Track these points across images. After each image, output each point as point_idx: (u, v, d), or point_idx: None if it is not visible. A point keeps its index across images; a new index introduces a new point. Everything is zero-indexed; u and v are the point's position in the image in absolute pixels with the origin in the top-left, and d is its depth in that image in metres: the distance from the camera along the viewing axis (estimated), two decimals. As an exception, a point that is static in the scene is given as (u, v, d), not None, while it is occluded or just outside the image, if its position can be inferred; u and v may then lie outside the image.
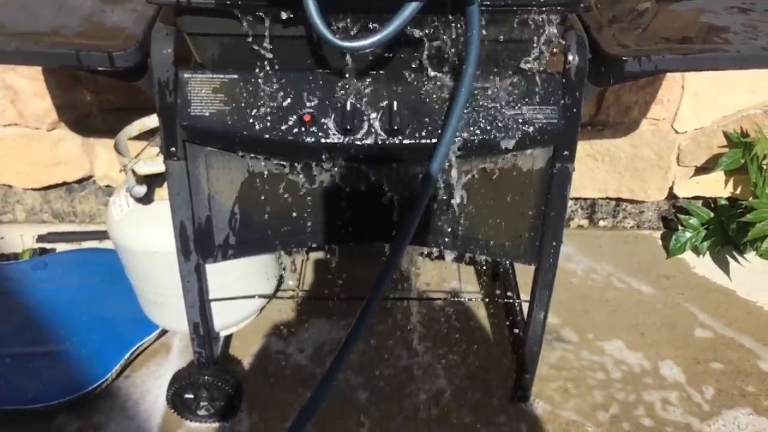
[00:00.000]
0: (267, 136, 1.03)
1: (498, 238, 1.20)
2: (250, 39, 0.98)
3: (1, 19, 1.01)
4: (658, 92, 1.69)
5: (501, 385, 1.48)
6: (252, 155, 1.10)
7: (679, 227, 1.85)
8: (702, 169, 1.83)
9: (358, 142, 1.03)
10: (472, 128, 1.04)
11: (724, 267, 1.83)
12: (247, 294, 1.42)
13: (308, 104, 1.03)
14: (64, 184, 1.87)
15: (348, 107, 1.02)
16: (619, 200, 1.92)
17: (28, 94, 1.67)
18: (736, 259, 1.84)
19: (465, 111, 1.02)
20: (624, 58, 0.99)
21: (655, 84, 1.68)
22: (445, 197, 1.14)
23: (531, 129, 1.05)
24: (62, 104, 1.70)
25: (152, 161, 1.25)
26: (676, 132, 1.76)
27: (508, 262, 1.62)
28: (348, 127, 1.01)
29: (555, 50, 1.06)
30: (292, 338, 1.59)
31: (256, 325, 1.59)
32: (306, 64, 1.03)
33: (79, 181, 1.87)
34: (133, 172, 1.26)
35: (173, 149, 1.08)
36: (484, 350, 1.56)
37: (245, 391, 1.42)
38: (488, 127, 1.04)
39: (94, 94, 1.70)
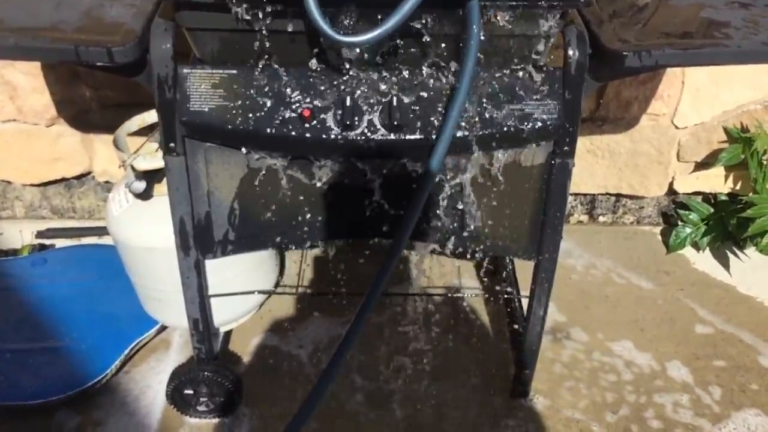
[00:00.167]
0: (266, 131, 1.03)
1: (498, 234, 1.20)
2: (249, 34, 0.98)
3: (0, 15, 1.00)
4: (658, 88, 1.69)
5: (500, 380, 1.48)
6: (251, 151, 1.10)
7: (679, 223, 1.85)
8: (702, 165, 1.83)
9: (358, 138, 1.03)
10: (471, 124, 1.03)
11: (724, 262, 1.83)
12: (247, 290, 1.42)
13: (308, 100, 1.03)
14: (63, 180, 1.87)
15: (348, 103, 1.02)
16: (618, 196, 1.92)
17: (26, 89, 1.67)
18: (736, 255, 1.84)
19: (464, 106, 1.01)
20: (624, 53, 0.99)
21: (656, 79, 1.67)
22: (444, 193, 1.14)
23: (531, 124, 1.05)
24: (61, 100, 1.70)
25: (151, 157, 1.25)
26: (676, 127, 1.76)
27: (507, 257, 1.62)
28: (347, 122, 1.01)
29: (555, 45, 1.06)
30: (292, 334, 1.59)
31: (256, 321, 1.60)
32: (305, 59, 1.03)
33: (79, 177, 1.87)
34: (133, 167, 1.25)
35: (172, 145, 1.07)
36: (483, 345, 1.56)
37: (245, 386, 1.42)
38: (488, 123, 1.04)
39: (93, 90, 1.69)
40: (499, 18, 0.96)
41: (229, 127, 1.03)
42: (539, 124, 1.05)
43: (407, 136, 1.03)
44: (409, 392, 1.46)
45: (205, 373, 1.35)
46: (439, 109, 1.03)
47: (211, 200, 1.15)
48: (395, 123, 1.01)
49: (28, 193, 1.90)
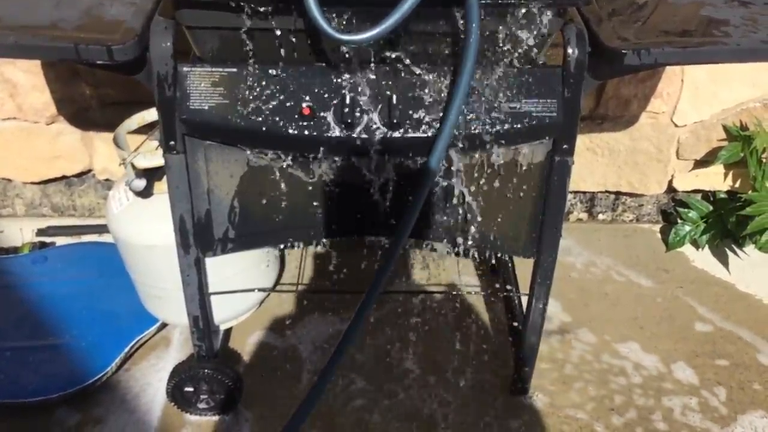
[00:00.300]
0: (266, 129, 1.03)
1: (497, 232, 1.20)
2: (249, 32, 0.98)
3: (0, 13, 1.00)
4: (657, 86, 1.69)
5: (500, 378, 1.49)
6: (251, 149, 1.10)
7: (679, 220, 1.85)
8: (701, 163, 1.83)
9: (358, 136, 1.03)
10: (471, 122, 1.04)
11: (723, 260, 1.83)
12: (247, 287, 1.43)
13: (307, 98, 1.03)
14: (64, 177, 1.87)
15: (347, 101, 1.02)
16: (618, 194, 1.92)
17: (26, 87, 1.67)
18: (735, 253, 1.84)
19: (464, 104, 1.02)
20: (623, 51, 0.99)
21: (655, 77, 1.67)
22: (444, 191, 1.14)
23: (530, 122, 1.05)
24: (61, 98, 1.70)
25: (151, 155, 1.25)
26: (676, 125, 1.76)
27: (507, 255, 1.62)
28: (348, 120, 1.01)
29: (555, 43, 1.06)
30: (292, 331, 1.59)
31: (256, 319, 1.60)
32: (305, 57, 1.03)
33: (79, 175, 1.87)
34: (133, 165, 1.25)
35: (172, 143, 1.08)
36: (483, 343, 1.56)
37: (245, 384, 1.42)
38: (488, 121, 1.04)
39: (93, 88, 1.69)
40: (498, 16, 0.96)
41: (229, 125, 1.04)
42: (539, 122, 1.05)
43: (407, 134, 1.03)
44: (409, 390, 1.46)
45: (206, 370, 1.35)
46: (439, 107, 1.03)
47: (211, 198, 1.16)
48: (395, 121, 1.01)
49: (28, 191, 1.90)
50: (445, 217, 1.18)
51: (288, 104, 1.03)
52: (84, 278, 1.64)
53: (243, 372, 1.47)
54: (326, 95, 1.03)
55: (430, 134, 1.02)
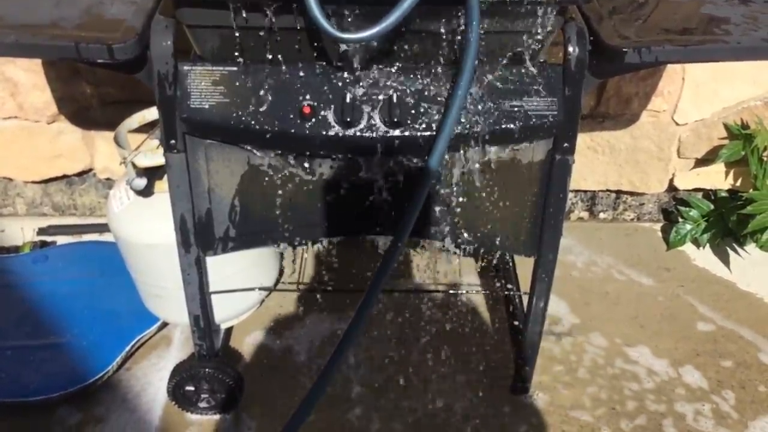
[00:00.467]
0: (266, 128, 1.03)
1: (498, 231, 1.20)
2: (249, 31, 0.98)
3: (0, 12, 1.00)
4: (658, 84, 1.69)
5: (501, 377, 1.49)
6: (252, 148, 1.10)
7: (680, 219, 1.85)
8: (702, 161, 1.83)
9: (358, 135, 1.03)
10: (471, 120, 1.03)
11: (724, 259, 1.83)
12: (248, 287, 1.43)
13: (308, 96, 1.03)
14: (65, 176, 1.87)
15: (347, 99, 1.02)
16: (619, 192, 1.92)
17: (27, 86, 1.67)
18: (736, 251, 1.84)
19: (465, 103, 1.01)
20: (624, 49, 0.99)
21: (656, 76, 1.67)
22: (444, 190, 1.14)
23: (531, 121, 1.05)
24: (62, 97, 1.70)
25: (152, 154, 1.25)
26: (677, 124, 1.75)
27: (508, 254, 1.62)
28: (348, 119, 1.01)
29: (555, 42, 1.06)
30: (292, 330, 1.59)
31: (257, 318, 1.60)
32: (306, 56, 1.03)
33: (80, 174, 1.87)
34: (133, 164, 1.26)
35: (173, 142, 1.08)
36: (483, 342, 1.56)
37: (246, 383, 1.42)
38: (488, 120, 1.04)
39: (94, 87, 1.69)
40: (499, 15, 0.96)
41: (230, 124, 1.04)
42: (539, 120, 1.05)
43: (407, 133, 1.03)
44: (409, 389, 1.46)
45: (206, 369, 1.35)
46: (440, 105, 1.03)
47: (211, 197, 1.16)
48: (395, 120, 1.01)
49: (29, 190, 1.90)
50: (445, 216, 1.18)
51: (288, 103, 1.03)
52: (85, 277, 1.65)
53: (244, 370, 1.47)
54: (326, 94, 1.03)
55: (430, 133, 1.02)
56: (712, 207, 1.83)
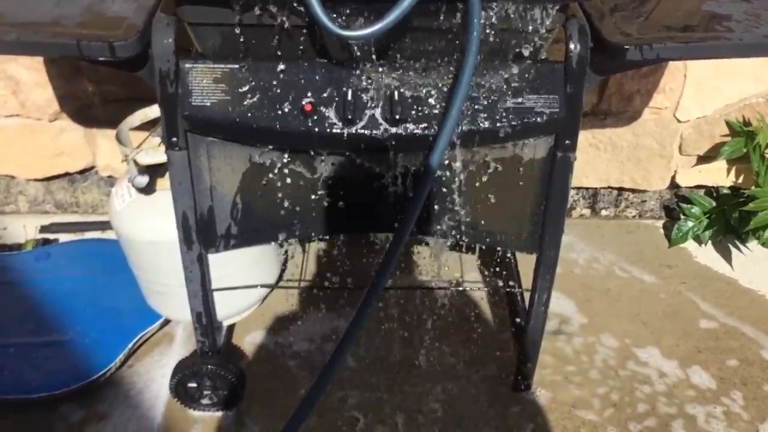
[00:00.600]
0: (268, 126, 1.03)
1: (500, 228, 1.20)
2: (250, 29, 0.98)
3: (1, 9, 1.00)
4: (660, 81, 1.68)
5: (503, 374, 1.49)
6: (253, 145, 1.10)
7: (681, 216, 1.85)
8: (704, 158, 1.83)
9: (359, 132, 1.03)
10: (473, 118, 1.03)
11: (726, 256, 1.83)
12: (250, 284, 1.43)
13: (309, 94, 1.03)
14: (67, 174, 1.87)
15: (349, 97, 1.02)
16: (621, 189, 1.92)
17: (29, 84, 1.67)
18: (738, 248, 1.84)
19: (466, 100, 1.01)
20: (626, 46, 0.99)
21: (658, 73, 1.67)
22: (446, 187, 1.14)
23: (533, 118, 1.05)
24: (64, 95, 1.70)
25: (154, 151, 1.25)
26: (679, 121, 1.75)
27: (509, 251, 1.62)
28: (349, 116, 1.01)
29: (557, 39, 1.05)
30: (295, 328, 1.60)
31: (259, 315, 1.60)
32: (307, 53, 1.03)
33: (82, 172, 1.87)
34: (135, 162, 1.26)
35: (175, 139, 1.08)
36: (485, 339, 1.57)
37: (248, 380, 1.43)
38: (490, 117, 1.04)
39: (96, 85, 1.69)
40: (500, 11, 0.96)
41: (231, 121, 1.04)
42: (541, 118, 1.05)
43: (408, 131, 1.03)
44: (411, 387, 1.46)
45: (209, 366, 1.35)
46: (441, 103, 1.03)
47: (213, 194, 1.16)
48: (396, 117, 1.01)
49: (31, 187, 1.90)
50: (447, 214, 1.18)
51: (290, 100, 1.03)
52: (87, 275, 1.65)
53: (246, 367, 1.47)
54: (328, 91, 1.03)
55: (432, 130, 1.02)
56: (714, 204, 1.83)
